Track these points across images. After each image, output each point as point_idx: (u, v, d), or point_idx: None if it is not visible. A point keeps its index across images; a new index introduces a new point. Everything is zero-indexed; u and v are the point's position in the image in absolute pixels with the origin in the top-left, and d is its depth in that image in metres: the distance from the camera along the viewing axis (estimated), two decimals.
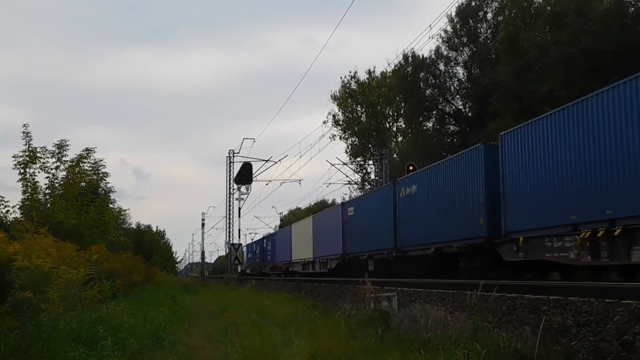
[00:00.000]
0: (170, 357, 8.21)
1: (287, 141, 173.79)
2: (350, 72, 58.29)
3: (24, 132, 15.80)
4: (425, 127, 44.06)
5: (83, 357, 6.81)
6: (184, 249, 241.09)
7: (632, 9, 26.03)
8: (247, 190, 41.04)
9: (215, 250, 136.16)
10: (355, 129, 55.84)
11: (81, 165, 17.23)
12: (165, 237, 74.47)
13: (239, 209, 41.20)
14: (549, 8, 30.12)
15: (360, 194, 46.35)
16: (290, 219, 71.27)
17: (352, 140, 56.46)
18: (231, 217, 42.45)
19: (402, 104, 49.19)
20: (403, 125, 53.12)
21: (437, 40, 41.69)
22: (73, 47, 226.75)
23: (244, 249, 54.00)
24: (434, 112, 42.92)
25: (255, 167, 40.96)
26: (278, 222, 77.83)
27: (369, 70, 55.90)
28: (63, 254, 10.31)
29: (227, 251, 43.61)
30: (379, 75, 53.32)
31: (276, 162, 46.91)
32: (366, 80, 55.70)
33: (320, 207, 59.10)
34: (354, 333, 8.99)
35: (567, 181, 13.38)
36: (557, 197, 13.65)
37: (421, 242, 20.53)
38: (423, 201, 20.71)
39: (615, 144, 11.88)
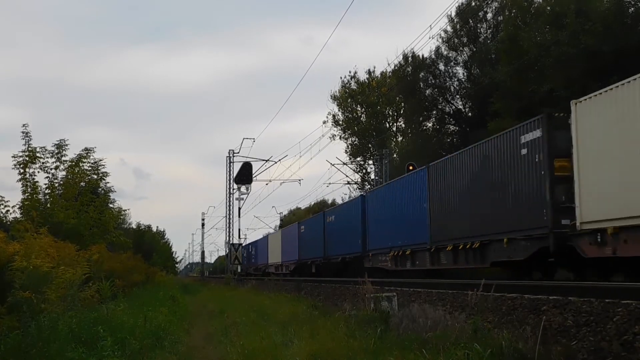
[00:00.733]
0: (170, 357, 8.22)
1: (287, 141, 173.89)
2: (350, 72, 58.33)
3: (23, 132, 15.82)
4: (425, 127, 44.07)
5: (83, 357, 6.81)
6: (184, 249, 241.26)
7: (632, 9, 26.03)
8: (247, 190, 41.04)
9: (215, 250, 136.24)
10: (355, 129, 55.85)
11: (81, 165, 17.24)
12: (165, 237, 74.66)
13: (239, 209, 41.23)
14: (549, 8, 30.10)
15: (360, 193, 46.35)
16: (290, 218, 71.29)
17: (352, 140, 56.52)
18: (231, 217, 42.48)
19: (402, 104, 49.20)
20: (403, 125, 53.13)
21: (437, 40, 41.68)
22: (73, 47, 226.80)
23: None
24: (434, 112, 42.92)
25: (255, 167, 41.00)
26: (278, 222, 77.92)
27: (369, 70, 56.00)
28: (62, 253, 10.31)
29: (227, 251, 43.62)
30: (379, 75, 53.33)
31: (276, 162, 46.83)
32: (366, 80, 55.74)
33: (320, 207, 59.11)
34: (354, 333, 8.99)
35: None
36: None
37: (335, 254, 31.48)
38: (336, 226, 31.91)
39: None
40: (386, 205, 24.79)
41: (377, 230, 25.46)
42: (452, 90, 42.03)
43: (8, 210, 14.72)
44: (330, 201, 65.77)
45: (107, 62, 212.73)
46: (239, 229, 41.29)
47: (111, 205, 20.29)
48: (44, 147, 16.30)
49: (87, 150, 17.53)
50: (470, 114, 41.07)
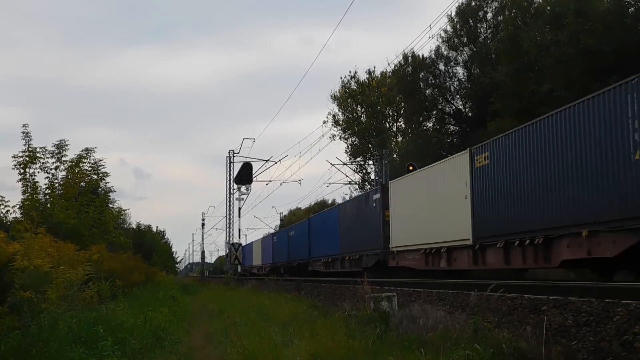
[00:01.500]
0: (170, 357, 8.22)
1: (287, 141, 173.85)
2: (350, 72, 58.34)
3: (23, 132, 15.82)
4: (425, 127, 44.06)
5: (83, 357, 6.81)
6: (184, 249, 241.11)
7: (632, 9, 26.02)
8: (247, 190, 41.01)
9: (215, 250, 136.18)
10: (355, 129, 55.83)
11: (81, 165, 17.23)
12: (165, 237, 74.57)
13: (239, 209, 41.20)
14: (549, 8, 30.10)
15: (359, 193, 46.34)
16: (291, 219, 71.28)
17: (352, 140, 56.49)
18: (231, 217, 42.44)
19: (402, 104, 49.19)
20: (403, 125, 53.12)
21: (437, 40, 41.70)
22: (73, 47, 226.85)
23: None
24: (434, 112, 42.91)
25: (255, 167, 40.96)
26: (278, 222, 77.92)
27: (369, 70, 55.96)
28: (62, 253, 10.31)
29: (227, 251, 43.61)
30: (379, 75, 53.30)
31: (276, 162, 46.83)
32: (366, 80, 55.72)
33: (320, 207, 59.13)
34: (354, 333, 8.99)
35: None
36: None
37: (293, 259, 40.58)
38: (294, 239, 40.66)
39: None
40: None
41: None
42: (452, 90, 42.04)
43: (8, 210, 14.74)
44: (330, 201, 65.79)
45: (107, 62, 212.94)
46: (239, 229, 41.30)
47: (111, 206, 20.29)
48: (44, 148, 16.31)
49: (87, 151, 17.55)
50: (470, 114, 41.06)
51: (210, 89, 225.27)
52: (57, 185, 16.57)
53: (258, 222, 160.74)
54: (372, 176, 49.01)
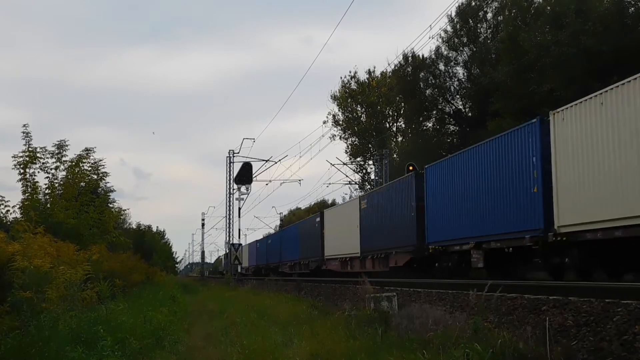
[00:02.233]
0: (170, 357, 8.21)
1: (287, 141, 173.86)
2: (350, 72, 58.35)
3: (23, 132, 15.78)
4: (425, 127, 44.08)
5: (83, 357, 6.80)
6: (184, 249, 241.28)
7: (632, 9, 26.03)
8: (247, 190, 41.01)
9: (215, 250, 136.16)
10: (355, 129, 55.85)
11: (81, 165, 17.22)
12: (165, 237, 74.49)
13: (239, 209, 41.20)
14: (549, 8, 30.12)
15: (360, 193, 46.36)
16: (291, 218, 71.30)
17: (352, 140, 56.52)
18: (231, 217, 42.46)
19: (402, 104, 49.19)
20: (403, 125, 53.15)
21: (437, 40, 41.71)
22: (73, 47, 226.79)
23: (223, 256, 74.80)
24: (434, 112, 42.94)
25: (255, 167, 40.95)
26: (278, 222, 77.95)
27: (369, 70, 56.00)
28: (62, 253, 10.31)
29: (227, 251, 43.61)
30: (379, 75, 53.34)
31: (276, 162, 46.74)
32: (366, 80, 55.74)
33: (320, 207, 59.11)
34: (354, 333, 8.99)
35: None
36: None
37: (271, 262, 50.05)
38: (271, 246, 50.95)
39: None
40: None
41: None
42: (452, 90, 42.07)
43: (8, 210, 14.72)
44: (330, 201, 65.83)
45: (107, 62, 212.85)
46: (239, 229, 41.30)
47: (111, 205, 20.28)
48: (44, 148, 16.27)
49: (87, 151, 17.52)
50: (470, 114, 41.08)
51: (210, 89, 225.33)
52: (57, 185, 16.55)
53: (258, 222, 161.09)
54: (372, 176, 49.05)
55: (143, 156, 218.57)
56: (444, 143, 41.08)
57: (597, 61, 24.33)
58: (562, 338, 7.21)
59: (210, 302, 19.62)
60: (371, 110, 55.06)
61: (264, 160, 41.67)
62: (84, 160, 17.30)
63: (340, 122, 56.61)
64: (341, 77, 61.44)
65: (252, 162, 40.49)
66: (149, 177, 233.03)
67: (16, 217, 14.72)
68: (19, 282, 7.50)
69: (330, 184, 73.47)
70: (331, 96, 57.32)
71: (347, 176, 63.61)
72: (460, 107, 42.47)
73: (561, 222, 13.44)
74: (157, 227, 73.24)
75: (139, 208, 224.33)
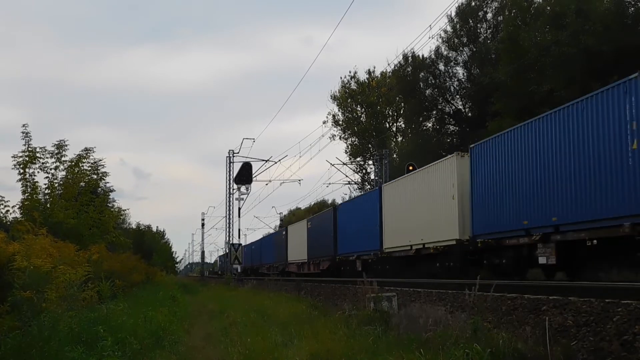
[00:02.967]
0: (170, 357, 8.21)
1: (287, 141, 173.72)
2: (350, 72, 58.36)
3: (23, 132, 15.77)
4: (425, 127, 44.07)
5: (83, 357, 6.80)
6: (184, 249, 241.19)
7: (632, 9, 26.04)
8: (247, 190, 41.00)
9: (215, 250, 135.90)
10: (355, 129, 55.85)
11: (81, 165, 17.21)
12: (165, 237, 74.55)
13: (239, 209, 41.20)
14: (549, 8, 30.11)
15: (359, 193, 46.38)
16: (290, 219, 71.28)
17: (352, 140, 56.52)
18: (231, 217, 42.45)
19: (402, 104, 49.19)
20: (403, 125, 53.14)
21: (437, 40, 41.75)
22: (73, 47, 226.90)
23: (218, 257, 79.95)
24: (434, 112, 42.93)
25: (255, 167, 40.96)
26: (278, 222, 77.96)
27: (369, 70, 56.01)
28: (63, 254, 10.30)
29: (227, 251, 43.60)
30: (379, 75, 53.35)
31: (276, 162, 46.73)
32: (366, 80, 55.74)
33: (320, 207, 59.13)
34: (354, 333, 8.99)
35: None
36: None
37: (259, 264, 55.12)
38: (255, 250, 58.95)
39: None
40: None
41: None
42: (452, 90, 42.07)
43: (8, 210, 14.72)
44: (330, 201, 65.82)
45: (107, 62, 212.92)
46: (239, 229, 41.30)
47: (110, 205, 20.26)
48: (43, 148, 16.26)
49: (87, 151, 17.50)
50: (470, 114, 41.08)
51: (210, 89, 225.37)
52: (56, 185, 16.54)
53: (258, 222, 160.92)
54: (372, 176, 49.01)
55: (143, 156, 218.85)
56: (444, 143, 41.07)
57: (597, 61, 24.34)
58: (562, 338, 7.21)
59: (210, 302, 19.62)
60: (371, 110, 55.06)
61: (263, 160, 41.71)
62: (83, 160, 17.29)
63: (340, 122, 56.66)
64: (341, 77, 61.53)
65: (252, 162, 40.53)
66: (149, 177, 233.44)
67: (16, 217, 14.72)
68: (19, 282, 7.50)
69: (330, 184, 73.61)
70: (331, 96, 57.40)
71: (347, 176, 63.78)
72: (460, 107, 42.48)
73: None
74: (157, 227, 73.38)
75: (139, 208, 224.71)
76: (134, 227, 50.14)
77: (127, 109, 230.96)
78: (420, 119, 43.60)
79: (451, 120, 43.10)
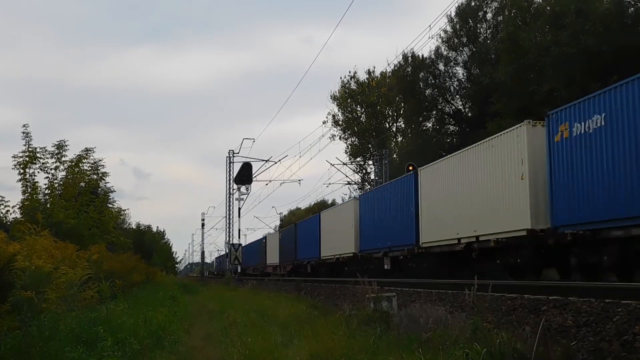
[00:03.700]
0: (170, 357, 8.21)
1: (287, 141, 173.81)
2: (350, 72, 58.30)
3: (23, 132, 15.79)
4: (425, 127, 44.07)
5: (83, 357, 6.80)
6: (184, 249, 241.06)
7: (632, 9, 26.05)
8: (247, 190, 41.05)
9: (215, 250, 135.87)
10: (355, 129, 55.84)
11: (81, 165, 17.22)
12: (165, 237, 74.61)
13: (239, 209, 41.22)
14: (549, 8, 30.11)
15: (360, 194, 46.37)
16: (290, 219, 71.28)
17: (351, 141, 56.50)
18: (231, 217, 42.47)
19: (402, 104, 49.19)
20: (403, 125, 53.13)
21: (437, 40, 41.71)
22: (73, 47, 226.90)
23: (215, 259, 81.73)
24: (434, 112, 42.93)
25: (255, 167, 41.00)
26: (278, 222, 77.98)
27: (369, 70, 55.99)
28: (63, 254, 10.31)
29: (227, 251, 43.63)
30: (379, 76, 53.34)
31: (276, 162, 46.77)
32: (366, 80, 55.73)
33: (320, 207, 59.11)
34: (354, 333, 8.99)
35: None
36: None
37: (250, 264, 57.34)
38: (248, 252, 56.59)
39: None
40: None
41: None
42: (452, 90, 42.06)
43: (8, 211, 14.73)
44: (330, 201, 65.87)
45: (107, 62, 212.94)
46: (239, 229, 41.34)
47: (110, 206, 20.26)
48: (44, 148, 16.27)
49: (87, 151, 17.51)
50: (470, 114, 41.08)
51: (210, 89, 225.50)
52: (56, 185, 16.55)
53: (258, 222, 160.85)
54: (372, 176, 49.01)
55: (143, 156, 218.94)
56: (444, 143, 41.06)
57: (597, 61, 24.34)
58: (562, 338, 7.22)
59: (210, 302, 19.62)
60: (371, 110, 55.04)
61: (263, 160, 41.75)
62: (83, 161, 17.30)
63: (340, 122, 56.64)
64: (341, 77, 61.48)
65: (252, 162, 40.58)
66: (149, 177, 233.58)
67: (16, 217, 14.73)
68: (20, 282, 7.50)
69: (330, 184, 73.68)
70: (331, 96, 57.38)
71: (347, 176, 63.73)
72: (460, 107, 42.47)
73: None
74: (157, 227, 73.41)
75: (139, 208, 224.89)
76: (134, 227, 50.21)
77: (127, 109, 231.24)
78: (420, 119, 43.60)
79: (451, 120, 43.10)
